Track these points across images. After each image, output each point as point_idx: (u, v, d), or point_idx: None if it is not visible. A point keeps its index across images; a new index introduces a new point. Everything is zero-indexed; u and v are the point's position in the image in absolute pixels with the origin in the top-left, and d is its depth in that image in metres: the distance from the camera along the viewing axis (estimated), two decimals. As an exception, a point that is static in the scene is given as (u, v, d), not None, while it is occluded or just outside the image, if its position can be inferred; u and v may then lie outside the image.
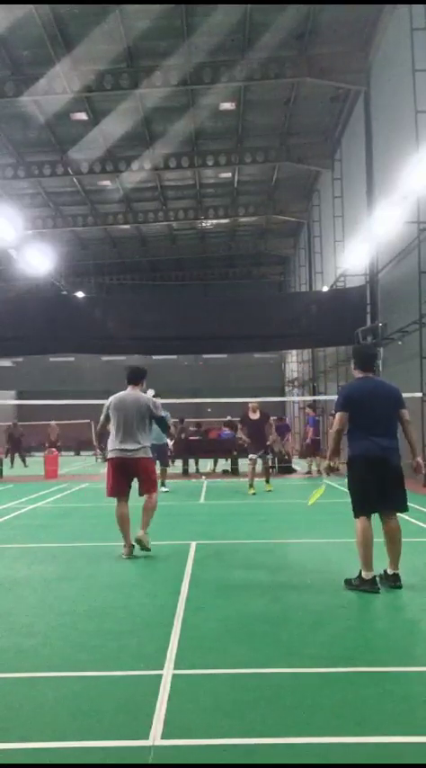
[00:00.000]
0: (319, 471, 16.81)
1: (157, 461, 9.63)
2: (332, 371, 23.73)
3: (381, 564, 5.56)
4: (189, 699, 3.38)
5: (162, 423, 7.41)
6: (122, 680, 3.65)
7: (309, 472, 17.84)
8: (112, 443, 7.12)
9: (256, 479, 13.65)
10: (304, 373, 32.83)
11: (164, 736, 2.96)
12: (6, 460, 23.82)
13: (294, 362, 35.99)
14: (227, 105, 20.68)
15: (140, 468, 7.10)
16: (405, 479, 5.59)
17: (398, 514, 5.69)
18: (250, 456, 13.91)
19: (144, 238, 34.34)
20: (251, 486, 13.46)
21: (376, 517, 5.58)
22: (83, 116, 20.66)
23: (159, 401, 7.59)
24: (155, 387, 12.46)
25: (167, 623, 4.59)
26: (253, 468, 13.64)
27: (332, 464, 5.69)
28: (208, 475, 18.29)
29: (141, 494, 7.22)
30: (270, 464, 14.95)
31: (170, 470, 15.15)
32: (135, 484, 7.25)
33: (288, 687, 3.52)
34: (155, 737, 2.95)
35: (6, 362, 38.82)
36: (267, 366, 40.09)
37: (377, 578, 5.41)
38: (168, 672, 3.72)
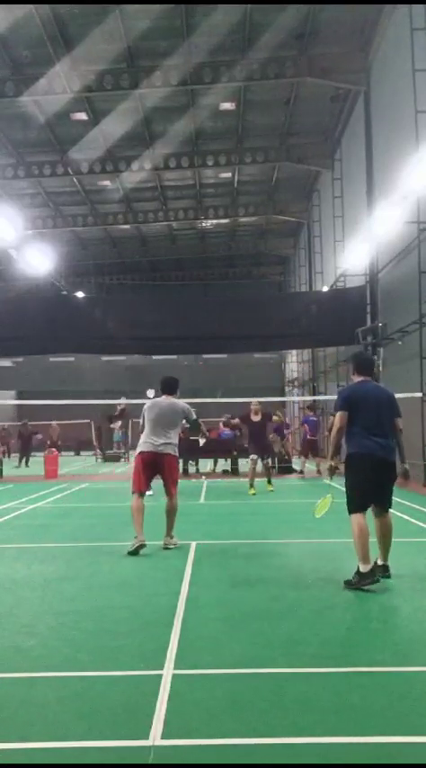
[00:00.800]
0: (318, 471, 16.82)
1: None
2: (333, 371, 23.73)
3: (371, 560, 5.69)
4: (189, 699, 3.38)
5: (196, 425, 8.05)
6: (122, 680, 3.65)
7: (302, 471, 17.88)
8: (142, 439, 7.56)
9: (257, 480, 13.64)
10: (304, 373, 32.83)
11: (164, 736, 2.96)
12: (6, 460, 23.85)
13: (294, 362, 36.00)
14: (227, 105, 20.68)
15: (165, 464, 7.47)
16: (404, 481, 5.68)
17: (397, 515, 5.73)
18: (251, 456, 13.91)
19: (144, 238, 34.34)
20: (251, 486, 13.46)
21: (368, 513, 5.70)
22: (83, 116, 20.66)
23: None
24: (156, 386, 12.45)
25: (167, 623, 4.59)
26: (254, 468, 13.63)
27: (333, 464, 5.85)
28: (208, 475, 18.29)
29: (165, 492, 7.61)
30: (270, 464, 14.94)
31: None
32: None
33: (288, 687, 3.52)
34: (155, 737, 2.95)
35: (6, 362, 38.81)
36: (267, 366, 40.10)
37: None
38: (168, 672, 3.72)
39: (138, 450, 7.60)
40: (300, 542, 7.89)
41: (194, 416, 7.82)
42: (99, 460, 27.03)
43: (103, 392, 26.81)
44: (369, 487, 5.64)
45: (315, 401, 21.31)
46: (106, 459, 27.03)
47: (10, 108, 19.57)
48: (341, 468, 5.86)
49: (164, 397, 7.76)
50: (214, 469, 19.42)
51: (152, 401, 7.82)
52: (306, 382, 31.87)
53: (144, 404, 7.84)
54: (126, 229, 32.08)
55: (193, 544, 7.56)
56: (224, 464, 19.41)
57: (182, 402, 7.94)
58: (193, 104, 20.20)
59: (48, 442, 25.17)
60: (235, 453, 18.59)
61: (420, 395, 13.59)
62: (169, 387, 7.81)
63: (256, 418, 13.81)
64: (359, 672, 3.72)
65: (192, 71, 17.93)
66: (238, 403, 17.70)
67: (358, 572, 5.48)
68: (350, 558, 5.75)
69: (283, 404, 36.23)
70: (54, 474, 18.47)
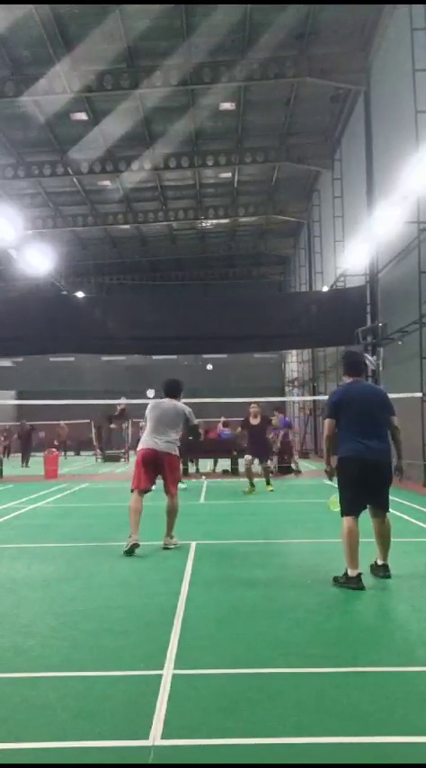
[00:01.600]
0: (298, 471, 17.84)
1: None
2: (333, 371, 23.71)
3: (368, 560, 5.76)
4: (189, 699, 3.38)
5: (195, 431, 8.18)
6: (122, 680, 3.65)
7: (300, 471, 18.11)
8: (144, 437, 7.63)
9: (257, 480, 13.64)
10: (304, 373, 32.83)
11: (164, 736, 2.95)
12: (6, 460, 23.87)
13: (294, 362, 35.99)
14: (227, 105, 20.68)
15: (165, 463, 7.47)
16: (403, 481, 5.68)
17: (397, 515, 5.73)
18: (246, 456, 13.93)
19: (144, 238, 34.34)
20: (250, 484, 13.44)
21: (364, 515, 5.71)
22: (83, 116, 20.66)
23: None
24: (156, 386, 12.46)
25: (167, 623, 4.59)
26: (250, 468, 13.64)
27: (327, 469, 5.88)
28: (208, 475, 18.29)
29: (165, 492, 7.62)
30: (270, 467, 14.92)
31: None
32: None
33: (288, 687, 3.52)
34: (155, 737, 2.95)
35: (6, 362, 38.82)
36: (267, 366, 40.10)
37: (362, 576, 5.48)
38: (168, 672, 3.72)
39: (139, 447, 7.66)
40: (300, 542, 7.90)
41: (195, 422, 7.86)
42: (99, 460, 27.04)
43: (103, 392, 26.82)
44: (360, 491, 5.59)
45: (314, 401, 21.29)
46: (106, 459, 27.08)
47: (10, 108, 19.58)
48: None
49: (167, 399, 7.78)
50: (214, 469, 19.42)
51: (155, 401, 7.88)
52: (306, 382, 31.87)
53: (143, 404, 7.92)
54: (126, 229, 32.08)
55: (193, 544, 7.56)
56: (224, 464, 19.40)
57: (185, 405, 7.94)
58: (193, 104, 20.21)
59: (56, 442, 25.23)
60: (234, 453, 18.59)
61: (420, 395, 13.59)
62: (172, 390, 7.82)
63: (255, 421, 13.78)
64: (358, 672, 3.71)
65: (192, 71, 17.94)
66: (238, 403, 17.68)
67: (346, 573, 5.50)
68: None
69: (283, 404, 36.25)
70: (54, 474, 18.47)
